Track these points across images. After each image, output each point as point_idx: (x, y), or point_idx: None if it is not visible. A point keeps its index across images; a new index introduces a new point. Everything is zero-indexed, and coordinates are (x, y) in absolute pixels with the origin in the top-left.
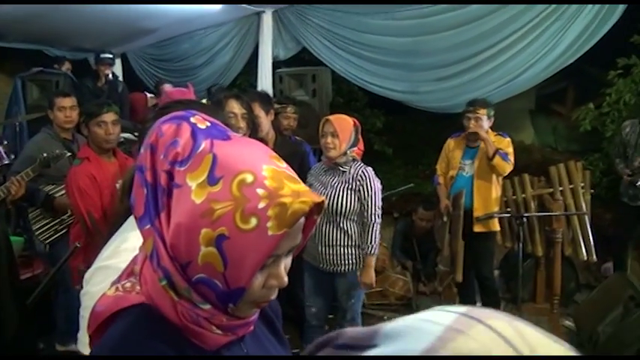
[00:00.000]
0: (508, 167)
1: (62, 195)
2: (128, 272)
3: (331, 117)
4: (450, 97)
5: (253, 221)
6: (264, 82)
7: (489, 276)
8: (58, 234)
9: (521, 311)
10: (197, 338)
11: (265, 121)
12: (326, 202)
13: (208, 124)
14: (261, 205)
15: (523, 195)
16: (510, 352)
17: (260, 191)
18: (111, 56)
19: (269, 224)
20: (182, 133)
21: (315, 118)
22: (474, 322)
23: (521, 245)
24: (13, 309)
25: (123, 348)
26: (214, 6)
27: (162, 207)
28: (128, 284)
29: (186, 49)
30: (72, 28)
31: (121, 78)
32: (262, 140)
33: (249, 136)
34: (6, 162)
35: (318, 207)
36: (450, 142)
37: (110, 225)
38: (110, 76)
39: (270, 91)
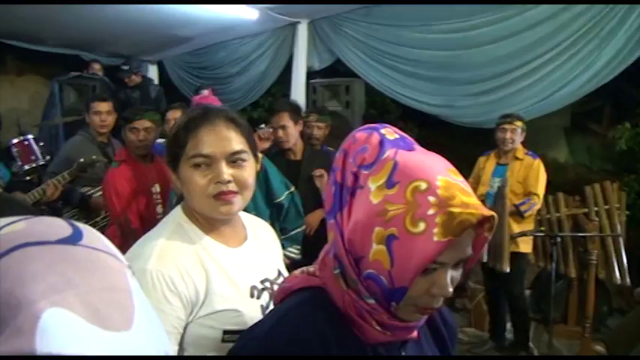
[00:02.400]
0: (536, 208)
1: (97, 196)
2: (319, 260)
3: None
4: (486, 112)
5: (421, 226)
6: (298, 92)
7: (519, 296)
8: None
9: (552, 333)
10: (358, 329)
11: (293, 130)
12: None
13: (397, 136)
14: (431, 211)
15: (557, 214)
16: None
17: (431, 199)
18: (127, 67)
19: (435, 230)
20: (371, 141)
21: (347, 130)
22: None
23: (554, 265)
24: None
25: (293, 315)
26: (250, 16)
27: (345, 204)
28: (312, 269)
29: (221, 57)
30: (109, 34)
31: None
32: (290, 150)
33: (273, 147)
34: (42, 162)
35: (489, 224)
36: (481, 160)
37: (145, 228)
38: (137, 82)
39: (303, 102)
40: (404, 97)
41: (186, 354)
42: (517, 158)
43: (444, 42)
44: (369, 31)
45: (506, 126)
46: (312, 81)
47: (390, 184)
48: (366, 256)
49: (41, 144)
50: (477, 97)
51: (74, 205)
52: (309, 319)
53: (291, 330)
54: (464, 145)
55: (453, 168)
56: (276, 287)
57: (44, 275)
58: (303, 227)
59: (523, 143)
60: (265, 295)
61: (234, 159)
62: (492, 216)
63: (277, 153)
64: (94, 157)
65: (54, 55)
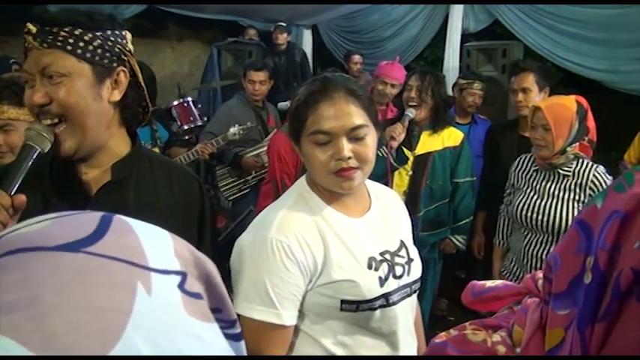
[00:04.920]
0: None
1: (249, 157)
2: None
3: (543, 103)
4: None
5: None
6: (452, 55)
7: None
8: (241, 193)
9: None
10: None
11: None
12: (543, 216)
13: None
14: None
15: None
16: None
17: None
18: (284, 24)
19: None
20: None
21: (502, 96)
22: None
23: None
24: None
25: None
26: None
27: (606, 316)
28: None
29: (375, 20)
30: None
31: (310, 50)
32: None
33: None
34: (199, 123)
35: None
36: None
37: None
38: (285, 45)
39: (457, 66)
40: (565, 61)
41: (306, 320)
42: None
43: None
44: None
45: None
46: (467, 44)
47: None
48: None
49: (199, 106)
50: None
51: (227, 163)
52: None
53: None
54: (630, 113)
55: None
56: (397, 259)
57: (12, 289)
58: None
59: None
60: (384, 267)
61: (354, 135)
62: None
63: (506, 125)
64: (248, 123)
65: (213, 21)
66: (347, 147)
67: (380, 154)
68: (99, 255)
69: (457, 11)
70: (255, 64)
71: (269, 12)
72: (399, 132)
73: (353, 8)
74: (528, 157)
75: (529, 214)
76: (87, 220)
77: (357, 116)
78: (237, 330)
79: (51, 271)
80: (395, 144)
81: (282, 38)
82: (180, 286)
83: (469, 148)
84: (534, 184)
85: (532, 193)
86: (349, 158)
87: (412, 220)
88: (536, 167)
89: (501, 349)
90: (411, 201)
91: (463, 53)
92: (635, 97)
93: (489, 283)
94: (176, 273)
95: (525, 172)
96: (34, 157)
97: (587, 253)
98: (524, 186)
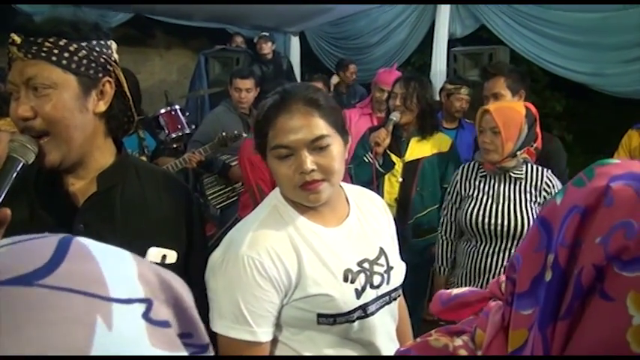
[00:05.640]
0: None
1: (236, 165)
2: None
3: (492, 107)
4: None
5: None
6: (439, 61)
7: None
8: (230, 200)
9: None
10: None
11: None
12: (503, 220)
13: None
14: None
15: None
16: None
17: None
18: (268, 34)
19: None
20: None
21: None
22: None
23: None
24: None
25: None
26: None
27: (567, 315)
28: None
29: (362, 26)
30: (252, 7)
31: (298, 56)
32: None
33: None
34: (187, 131)
35: None
36: (632, 135)
37: None
38: (271, 54)
39: (444, 71)
40: (550, 65)
41: (285, 332)
42: None
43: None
44: None
45: None
46: (453, 49)
47: None
48: None
49: (187, 114)
50: (630, 64)
51: (215, 172)
52: None
53: None
54: (616, 115)
55: None
56: (375, 268)
57: None
58: None
59: None
60: (361, 278)
61: (316, 146)
62: None
63: None
64: (235, 131)
65: (200, 29)
66: (309, 159)
67: (366, 160)
68: (54, 288)
69: (444, 17)
70: (241, 72)
71: (256, 19)
72: (383, 137)
73: (339, 15)
74: (472, 164)
75: (485, 219)
76: (42, 247)
77: (318, 127)
78: (211, 354)
79: (3, 309)
80: (380, 149)
81: (267, 47)
82: (145, 315)
83: (458, 152)
84: (486, 188)
85: (485, 198)
86: (312, 171)
87: (404, 227)
88: (484, 173)
89: (463, 353)
90: (402, 208)
91: (450, 58)
92: (620, 100)
93: (456, 291)
94: (140, 301)
95: (472, 179)
96: (18, 169)
97: (548, 251)
98: (473, 192)
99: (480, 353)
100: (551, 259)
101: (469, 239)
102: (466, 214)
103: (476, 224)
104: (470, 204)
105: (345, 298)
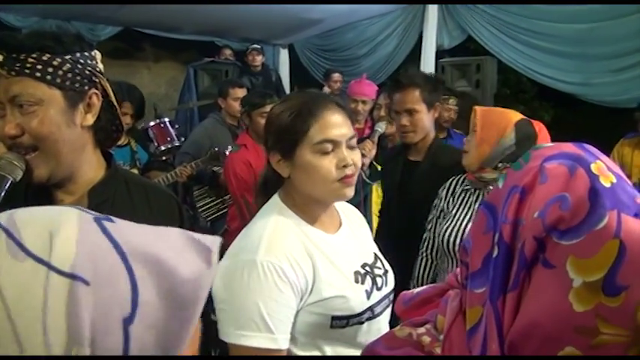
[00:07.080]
0: None
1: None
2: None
3: (479, 107)
4: (627, 90)
5: None
6: (427, 71)
7: None
8: (220, 212)
9: None
10: None
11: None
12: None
13: (614, 179)
14: None
15: None
16: None
17: None
18: (259, 47)
19: None
20: (575, 187)
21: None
22: None
23: None
24: None
25: None
26: None
27: (515, 286)
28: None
29: (350, 38)
30: (241, 20)
31: (287, 68)
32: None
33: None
34: (176, 144)
35: None
36: (623, 145)
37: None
38: (260, 67)
39: None
40: (538, 75)
41: (296, 341)
42: None
43: (582, 14)
44: (502, 5)
45: None
46: (441, 60)
47: (610, 288)
48: None
49: (177, 126)
50: (618, 73)
51: (205, 183)
52: None
53: None
54: (604, 125)
55: None
56: (376, 271)
57: None
58: None
59: None
60: (368, 280)
61: (350, 143)
62: None
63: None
64: (229, 147)
65: (189, 41)
66: (349, 154)
67: None
68: None
69: (431, 28)
70: (238, 82)
71: (245, 32)
72: (369, 149)
73: (328, 27)
74: (459, 178)
75: (457, 239)
76: None
77: (350, 126)
78: None
79: None
80: (367, 160)
81: (258, 60)
82: None
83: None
84: (464, 206)
85: (462, 216)
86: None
87: None
88: (467, 187)
89: (426, 340)
90: None
91: (438, 69)
92: (608, 109)
93: (417, 290)
94: None
95: (456, 194)
96: (7, 186)
97: (495, 231)
98: (452, 209)
99: (441, 337)
100: (497, 237)
101: (448, 260)
102: (441, 236)
103: (449, 247)
104: (446, 223)
105: (358, 299)
